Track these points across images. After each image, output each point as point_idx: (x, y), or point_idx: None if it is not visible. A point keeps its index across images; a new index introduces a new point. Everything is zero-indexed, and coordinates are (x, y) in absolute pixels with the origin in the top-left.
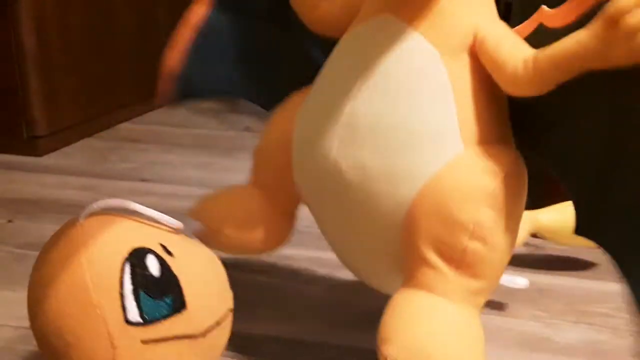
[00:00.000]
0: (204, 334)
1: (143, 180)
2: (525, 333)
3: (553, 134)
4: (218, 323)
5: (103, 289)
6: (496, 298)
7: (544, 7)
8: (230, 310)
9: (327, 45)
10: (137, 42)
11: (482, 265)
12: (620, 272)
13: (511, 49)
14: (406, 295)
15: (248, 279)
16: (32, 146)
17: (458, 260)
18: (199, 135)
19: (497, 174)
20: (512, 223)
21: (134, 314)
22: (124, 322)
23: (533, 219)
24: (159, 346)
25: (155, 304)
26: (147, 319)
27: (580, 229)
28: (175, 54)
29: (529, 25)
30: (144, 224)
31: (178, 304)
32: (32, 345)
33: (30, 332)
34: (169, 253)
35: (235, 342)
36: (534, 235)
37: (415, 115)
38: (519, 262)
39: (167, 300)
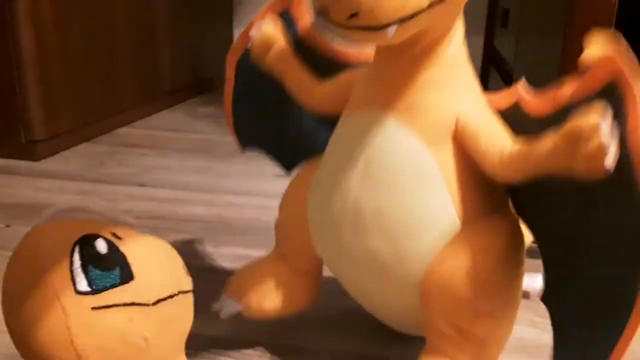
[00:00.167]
0: (157, 306)
1: (141, 185)
2: (523, 339)
3: (534, 204)
4: (173, 301)
5: (55, 268)
6: None
7: (520, 87)
8: (187, 292)
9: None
10: (136, 47)
11: (493, 335)
12: (554, 344)
13: (488, 141)
14: None
15: None
16: (30, 150)
17: (468, 332)
18: (197, 140)
19: (496, 247)
20: (515, 286)
21: (83, 285)
22: (75, 293)
23: None
24: (109, 312)
25: (103, 275)
26: (96, 289)
27: (546, 297)
28: (226, 109)
29: (506, 98)
30: (99, 221)
31: (125, 276)
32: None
33: None
34: (118, 238)
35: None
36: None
37: (412, 204)
38: None
39: (115, 272)
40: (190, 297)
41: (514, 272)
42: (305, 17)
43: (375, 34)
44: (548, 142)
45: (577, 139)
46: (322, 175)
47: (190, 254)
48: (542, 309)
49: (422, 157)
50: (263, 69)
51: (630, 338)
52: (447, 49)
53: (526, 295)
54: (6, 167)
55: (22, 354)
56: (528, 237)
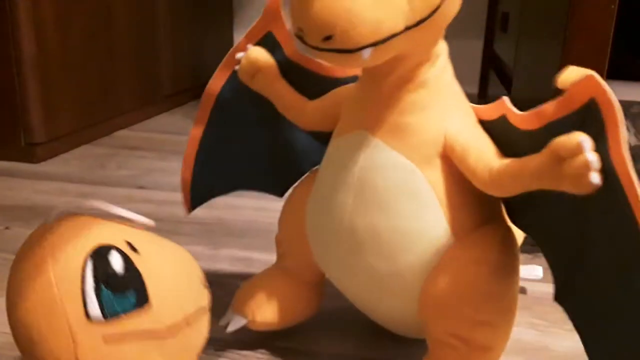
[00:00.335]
0: (172, 333)
1: (140, 187)
2: (522, 341)
3: (530, 212)
4: (188, 322)
5: (65, 285)
6: None
7: (505, 100)
8: (203, 308)
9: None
10: (136, 49)
11: (493, 341)
12: (583, 341)
13: (477, 157)
14: None
15: None
16: (29, 153)
17: (468, 340)
18: None
19: (489, 257)
20: (511, 292)
21: (94, 310)
22: (85, 317)
23: None
24: (122, 342)
25: (117, 300)
26: (108, 315)
27: (558, 298)
28: (186, 168)
29: (494, 110)
30: (113, 222)
31: (141, 299)
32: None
33: None
34: (134, 250)
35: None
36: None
37: (405, 221)
38: None
39: (129, 295)
40: (206, 313)
41: (509, 280)
42: (289, 38)
43: (350, 56)
44: (535, 160)
45: (561, 157)
46: (317, 195)
47: None
48: (541, 311)
49: (412, 176)
50: (247, 94)
51: None
52: (429, 72)
53: (523, 290)
54: (6, 169)
55: None
56: (520, 235)
